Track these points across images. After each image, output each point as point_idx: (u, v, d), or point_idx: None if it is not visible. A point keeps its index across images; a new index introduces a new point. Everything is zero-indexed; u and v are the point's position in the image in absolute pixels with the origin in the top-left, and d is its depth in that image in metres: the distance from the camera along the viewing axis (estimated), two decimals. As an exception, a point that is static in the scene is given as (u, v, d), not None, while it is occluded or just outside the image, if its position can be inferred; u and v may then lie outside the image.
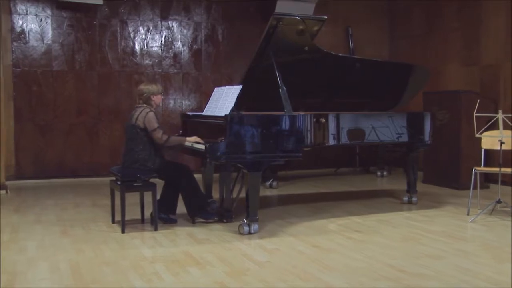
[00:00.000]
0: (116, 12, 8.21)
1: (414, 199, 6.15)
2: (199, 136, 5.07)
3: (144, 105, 5.05)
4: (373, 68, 6.00)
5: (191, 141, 5.00)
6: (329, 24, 8.01)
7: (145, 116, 4.92)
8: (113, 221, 5.17)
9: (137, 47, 8.34)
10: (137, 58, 8.34)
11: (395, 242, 4.53)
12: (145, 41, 8.37)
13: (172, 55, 8.53)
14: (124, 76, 8.28)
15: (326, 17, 5.26)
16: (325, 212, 5.76)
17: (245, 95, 5.07)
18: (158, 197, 5.01)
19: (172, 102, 8.54)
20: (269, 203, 6.45)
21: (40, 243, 4.50)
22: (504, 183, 6.09)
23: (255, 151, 4.67)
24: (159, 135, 4.91)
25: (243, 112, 5.19)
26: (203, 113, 5.37)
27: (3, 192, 6.91)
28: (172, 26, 8.52)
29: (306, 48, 5.36)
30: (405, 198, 6.21)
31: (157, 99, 5.13)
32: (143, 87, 5.12)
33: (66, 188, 7.44)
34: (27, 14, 7.80)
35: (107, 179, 5.47)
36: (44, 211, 5.87)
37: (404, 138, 5.75)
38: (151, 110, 4.99)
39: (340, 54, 5.74)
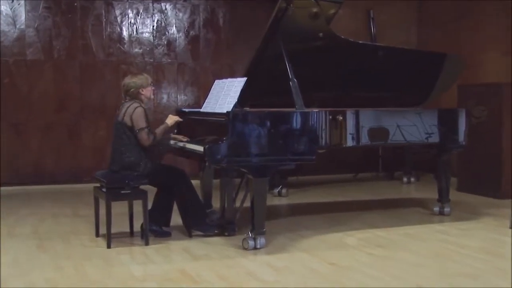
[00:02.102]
0: (100, -7, 8.25)
1: (446, 209, 6.15)
2: (196, 136, 5.08)
3: (133, 100, 5.07)
4: (399, 57, 6.01)
5: (171, 122, 5.17)
6: (347, 7, 8.01)
7: (133, 113, 4.94)
8: (98, 234, 5.20)
9: (125, 33, 8.37)
10: (125, 46, 8.38)
11: (425, 259, 4.53)
12: (134, 26, 8.40)
13: (165, 42, 8.56)
14: (110, 67, 8.32)
15: (344, -2, 5.28)
16: (343, 224, 5.78)
17: (250, 89, 5.09)
18: (149, 206, 5.04)
19: (165, 96, 8.58)
20: (278, 214, 6.47)
21: (14, 260, 4.52)
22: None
23: (261, 154, 4.69)
24: (145, 135, 4.91)
25: (248, 109, 5.21)
26: (202, 110, 5.40)
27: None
28: (166, 9, 8.55)
29: (321, 34, 5.37)
30: (436, 208, 6.21)
31: (148, 92, 5.13)
32: (128, 81, 5.10)
33: (43, 196, 7.48)
34: (-3, -6, 7.86)
35: (90, 186, 5.50)
36: (18, 222, 5.90)
37: (435, 139, 5.75)
38: (141, 106, 5.01)
39: (360, 42, 5.75)
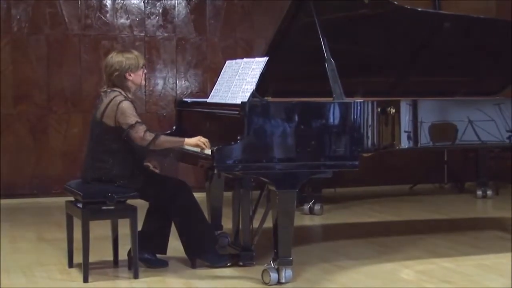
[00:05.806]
0: None
1: (534, 233, 6.16)
2: (203, 135, 5.13)
3: (115, 89, 5.07)
4: (471, 29, 6.00)
5: (192, 144, 4.97)
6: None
7: (117, 109, 4.90)
8: (71, 265, 5.23)
9: (106, -1, 8.45)
10: (108, 16, 8.44)
11: (505, 299, 4.55)
12: (119, -10, 8.48)
13: (160, 10, 8.60)
14: (87, 43, 8.37)
15: (397, -49, 5.31)
16: (396, 251, 5.79)
17: (273, 73, 5.13)
18: (139, 227, 5.08)
19: (160, 82, 8.62)
20: (309, 237, 6.50)
21: (-38, 297, 4.60)
22: None
23: (287, 158, 4.71)
24: (140, 133, 4.87)
25: (270, 99, 5.24)
26: (209, 100, 5.43)
27: None
28: (160, -34, 8.61)
29: (366, 0, 5.39)
30: (521, 232, 6.22)
31: (137, 78, 5.09)
32: (112, 60, 5.04)
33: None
34: None
35: (61, 200, 5.54)
36: (-34, 248, 5.97)
37: (520, 138, 5.76)
38: (126, 98, 4.98)
39: (419, 9, 5.76)
